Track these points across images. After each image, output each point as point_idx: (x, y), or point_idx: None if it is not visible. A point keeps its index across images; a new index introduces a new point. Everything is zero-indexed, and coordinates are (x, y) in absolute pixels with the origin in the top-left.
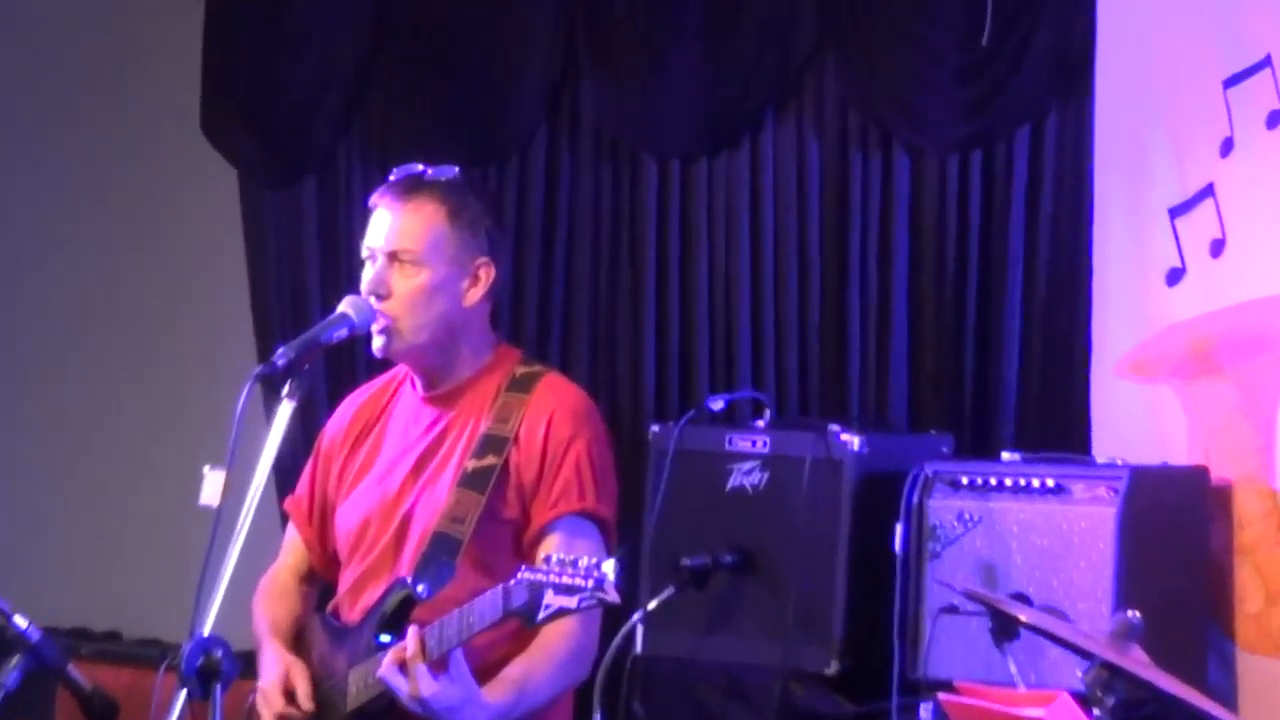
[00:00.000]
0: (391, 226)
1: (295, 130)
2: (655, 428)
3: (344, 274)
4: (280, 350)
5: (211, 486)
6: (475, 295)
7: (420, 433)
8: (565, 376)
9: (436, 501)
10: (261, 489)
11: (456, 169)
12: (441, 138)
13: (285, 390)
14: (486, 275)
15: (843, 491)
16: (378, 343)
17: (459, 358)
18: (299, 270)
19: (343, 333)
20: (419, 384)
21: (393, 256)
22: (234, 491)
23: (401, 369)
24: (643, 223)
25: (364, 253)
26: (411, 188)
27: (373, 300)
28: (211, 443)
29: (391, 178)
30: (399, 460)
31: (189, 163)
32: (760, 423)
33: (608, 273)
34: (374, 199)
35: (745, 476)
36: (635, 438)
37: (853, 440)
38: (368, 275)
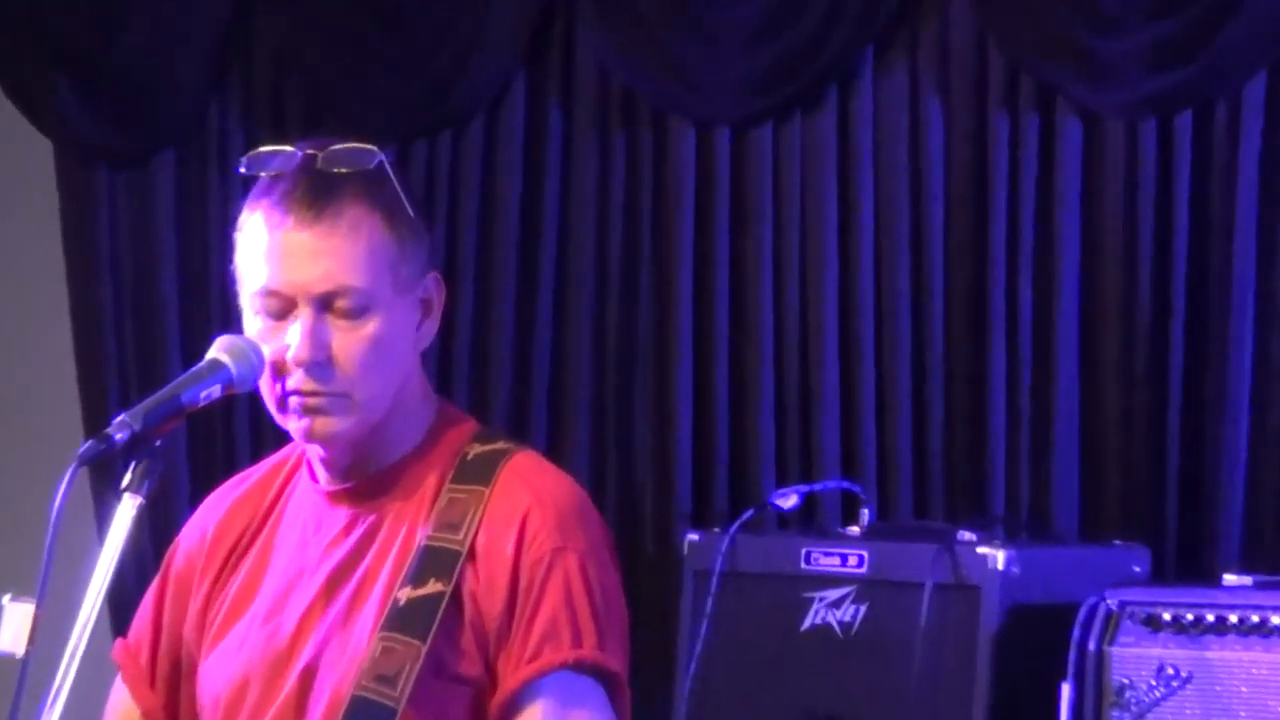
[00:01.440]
0: (316, 256)
1: (143, 83)
2: (693, 536)
3: (217, 292)
4: (120, 418)
5: (12, 626)
6: (430, 332)
7: (326, 545)
8: (540, 456)
9: (354, 650)
10: (89, 630)
11: (370, 147)
12: (362, 93)
13: (126, 480)
14: (439, 299)
15: (979, 633)
16: (320, 426)
17: (391, 432)
18: (148, 289)
19: (214, 391)
20: (324, 473)
21: (326, 302)
22: (48, 634)
23: (294, 453)
24: (672, 218)
25: (257, 303)
26: (323, 190)
27: (301, 372)
28: (11, 560)
29: (268, 176)
30: (294, 587)
31: None
32: (855, 528)
33: (619, 292)
34: (261, 218)
35: (832, 611)
36: (662, 551)
37: (995, 555)
38: (294, 336)
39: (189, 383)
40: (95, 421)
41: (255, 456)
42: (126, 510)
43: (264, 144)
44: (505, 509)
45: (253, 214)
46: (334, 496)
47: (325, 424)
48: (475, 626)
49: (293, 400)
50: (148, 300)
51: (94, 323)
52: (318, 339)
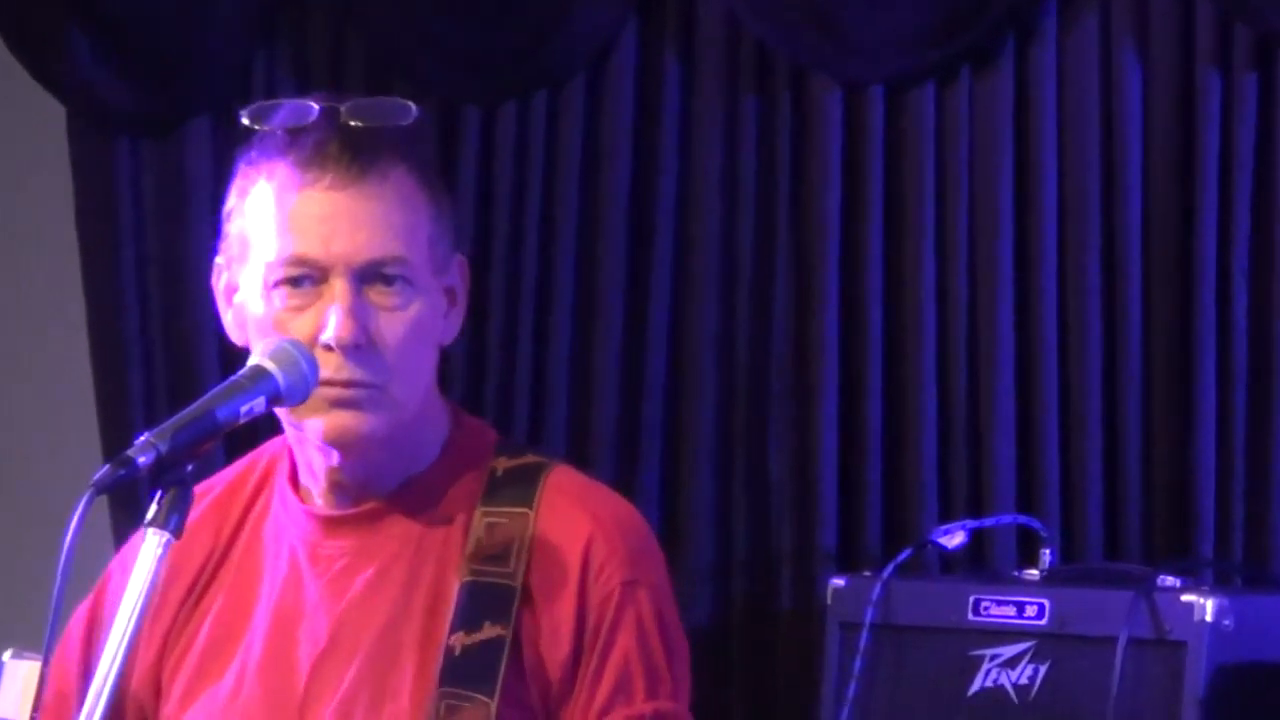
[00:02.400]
0: (357, 220)
1: (173, 37)
2: (838, 582)
3: None
4: (144, 438)
5: (14, 687)
6: (456, 326)
7: (329, 581)
8: (577, 470)
9: (397, 707)
10: (109, 689)
11: (406, 101)
12: (437, 47)
13: (152, 513)
14: (464, 287)
15: (1184, 696)
16: (353, 422)
17: (410, 442)
18: (178, 282)
19: (258, 405)
20: (323, 492)
21: (366, 275)
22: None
23: (263, 460)
24: (814, 200)
25: (276, 275)
26: (362, 145)
27: (338, 357)
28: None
29: (284, 130)
30: (296, 631)
31: None
32: (1034, 572)
33: (749, 292)
34: (285, 176)
35: (1006, 671)
36: (802, 600)
37: (1203, 604)
38: (333, 315)
39: (227, 395)
40: (115, 441)
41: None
42: (152, 549)
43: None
44: (560, 536)
45: (266, 173)
46: (333, 522)
47: (359, 421)
48: (537, 675)
49: (324, 391)
50: (178, 295)
51: (114, 323)
52: (359, 317)
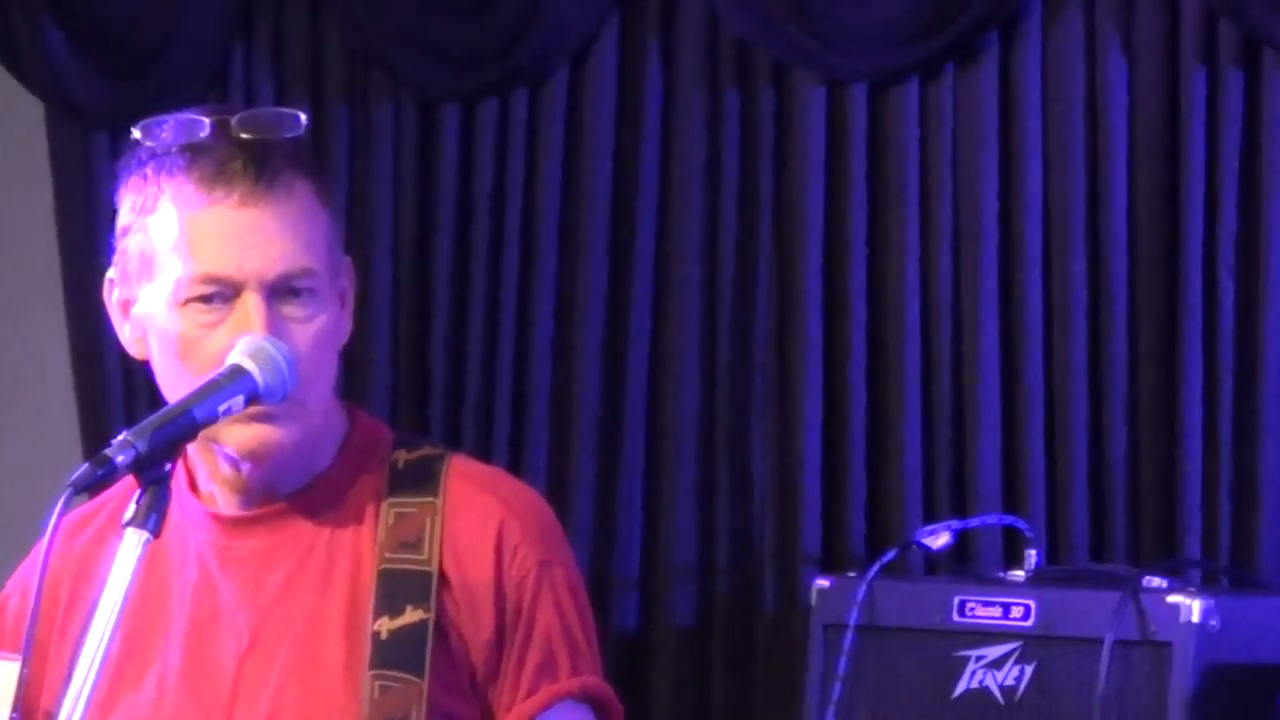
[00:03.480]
0: (267, 236)
1: (150, 31)
2: (822, 583)
3: None
4: (122, 437)
5: None
6: (348, 327)
7: (243, 580)
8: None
9: (329, 696)
10: (89, 688)
11: (293, 110)
12: (416, 41)
13: (130, 513)
14: (352, 288)
15: (1170, 698)
16: (271, 437)
17: (314, 444)
18: None
19: (236, 404)
20: (228, 495)
21: (278, 289)
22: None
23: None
24: (796, 196)
25: (185, 293)
26: (262, 159)
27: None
28: None
29: (178, 147)
30: (212, 633)
31: None
32: (1019, 573)
33: (732, 288)
34: (190, 193)
35: (992, 673)
36: (786, 601)
37: (1189, 605)
38: (244, 329)
39: (205, 394)
40: (95, 439)
41: None
42: (131, 548)
43: (297, 104)
44: (471, 521)
45: (170, 190)
46: (240, 523)
47: (276, 434)
48: (463, 659)
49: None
50: None
51: (93, 319)
52: (274, 332)
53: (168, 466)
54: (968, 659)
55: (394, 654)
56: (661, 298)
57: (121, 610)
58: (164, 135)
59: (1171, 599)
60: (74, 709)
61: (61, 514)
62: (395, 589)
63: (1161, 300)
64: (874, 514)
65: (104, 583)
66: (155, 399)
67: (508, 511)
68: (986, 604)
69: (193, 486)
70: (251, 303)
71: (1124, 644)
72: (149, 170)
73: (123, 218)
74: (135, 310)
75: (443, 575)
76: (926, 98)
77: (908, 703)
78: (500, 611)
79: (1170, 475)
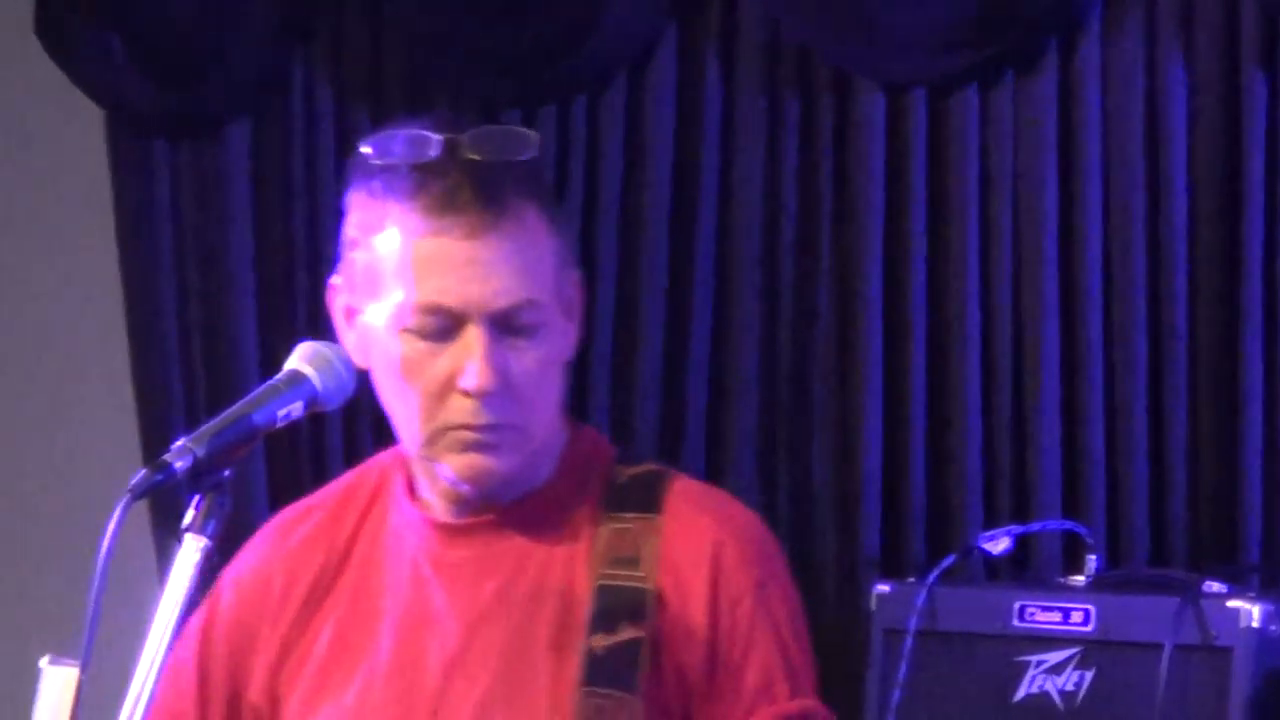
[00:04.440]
0: (493, 267)
1: (210, 39)
2: (882, 588)
3: (303, 290)
4: (181, 443)
5: (52, 695)
6: (574, 343)
7: (457, 587)
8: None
9: (536, 709)
10: (146, 696)
11: (526, 131)
12: (475, 49)
13: (189, 519)
14: (580, 302)
15: (1230, 703)
16: (488, 464)
17: (533, 459)
18: (218, 286)
19: (295, 409)
20: (443, 504)
21: (502, 320)
22: (96, 703)
23: (373, 473)
24: (856, 202)
25: (410, 321)
26: (490, 186)
27: (475, 403)
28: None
29: (406, 166)
30: (422, 637)
31: (15, 93)
32: (1079, 578)
33: (792, 295)
34: (418, 219)
35: (1051, 678)
36: (846, 606)
37: (1249, 610)
38: (471, 363)
39: (264, 399)
40: (155, 445)
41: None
42: (189, 554)
43: (357, 111)
44: (689, 541)
45: (396, 213)
46: (456, 530)
47: (491, 463)
48: (676, 679)
49: (459, 435)
50: (218, 299)
51: (153, 325)
52: (496, 363)
53: (227, 473)
54: (1028, 664)
55: (608, 671)
56: (721, 305)
57: (176, 623)
58: (393, 151)
59: (1231, 604)
60: (132, 712)
61: (120, 519)
62: (611, 605)
63: (1222, 305)
64: (934, 519)
65: (311, 581)
66: (213, 404)
67: (726, 532)
68: (1046, 609)
69: (410, 492)
70: (474, 334)
71: (1184, 649)
72: (377, 186)
73: (350, 230)
74: (360, 320)
75: (659, 594)
76: (986, 104)
77: (967, 708)
78: (716, 632)
79: (1230, 480)
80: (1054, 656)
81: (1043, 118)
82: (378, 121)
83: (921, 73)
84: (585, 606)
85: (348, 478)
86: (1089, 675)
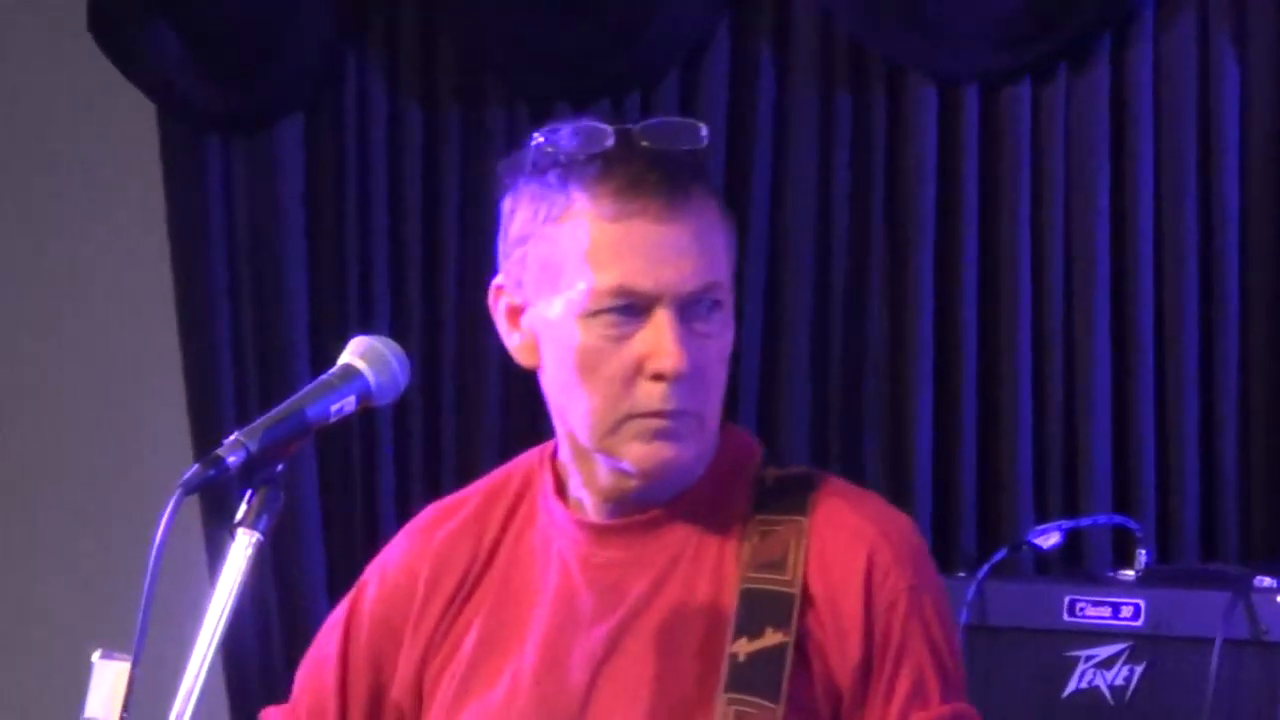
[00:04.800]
0: (682, 251)
1: (264, 34)
2: None
3: (355, 285)
4: (234, 437)
5: (103, 688)
6: (732, 342)
7: (605, 589)
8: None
9: (678, 715)
10: (198, 691)
11: (696, 122)
12: (529, 44)
13: (242, 513)
14: (733, 301)
15: None
16: (672, 453)
17: (703, 455)
18: (270, 281)
19: (348, 404)
20: (596, 505)
21: (689, 305)
22: (147, 697)
23: (519, 472)
24: (909, 197)
25: (615, 299)
26: (674, 174)
27: (665, 388)
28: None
29: (583, 156)
30: (569, 638)
31: (67, 89)
32: (1130, 573)
33: (844, 291)
34: (609, 204)
35: (1102, 673)
36: None
37: None
38: (664, 346)
39: (317, 394)
40: (206, 439)
41: (402, 479)
42: (241, 549)
43: (410, 107)
44: (840, 542)
45: (579, 200)
46: (606, 531)
47: (674, 451)
48: (825, 683)
49: (647, 423)
50: (270, 294)
51: (204, 321)
52: (687, 347)
53: (279, 467)
54: (1078, 659)
55: (751, 677)
56: (774, 300)
57: (228, 618)
58: (569, 143)
59: None
60: (184, 709)
61: (173, 514)
62: (756, 609)
63: (1273, 301)
64: (984, 514)
65: (457, 579)
66: (265, 399)
67: (878, 534)
68: (1096, 604)
69: (559, 492)
70: (664, 318)
71: (1234, 644)
72: (553, 178)
73: (520, 225)
74: (527, 319)
75: (807, 597)
76: (1039, 98)
77: (1018, 702)
78: (869, 636)
79: None
80: (1104, 651)
81: (1095, 113)
82: (430, 118)
83: (974, 68)
84: (731, 611)
85: (493, 476)
86: (1139, 670)
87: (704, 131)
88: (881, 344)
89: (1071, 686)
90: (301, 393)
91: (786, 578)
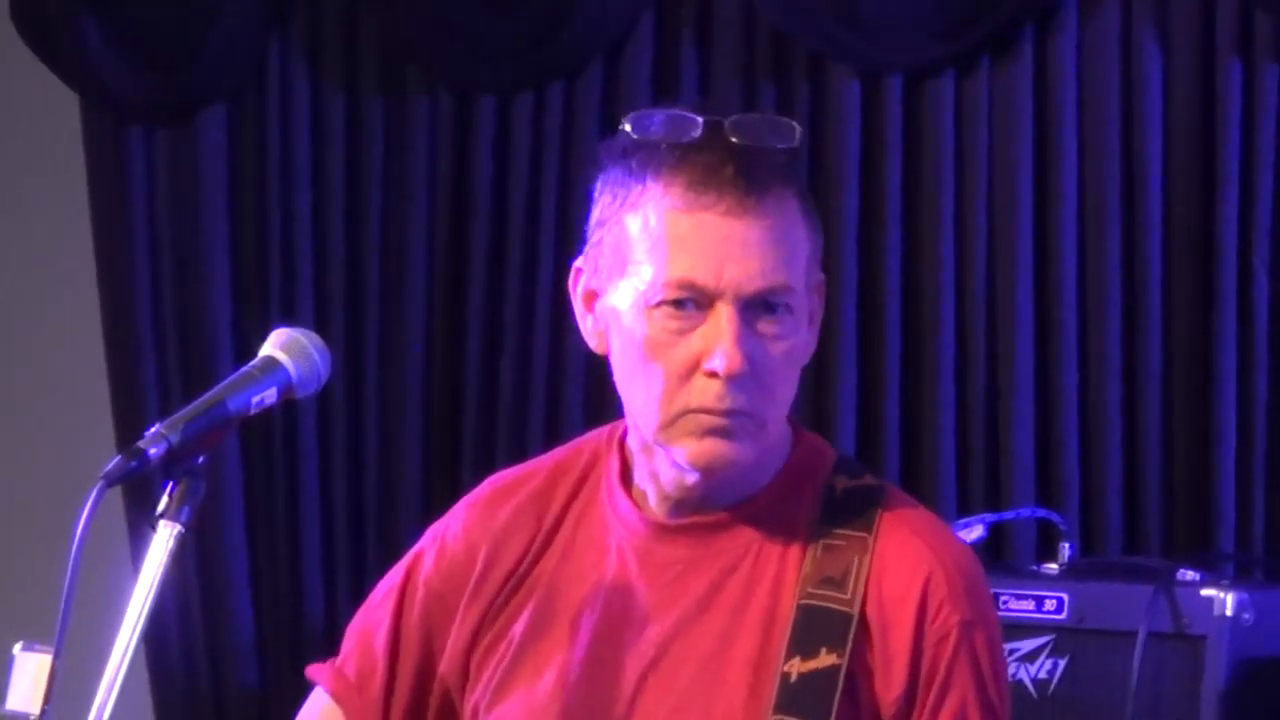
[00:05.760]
0: (749, 249)
1: (186, 24)
2: None
3: (278, 277)
4: (155, 429)
5: (24, 681)
6: (813, 345)
7: (662, 589)
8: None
9: None
10: (120, 682)
11: (790, 121)
12: (452, 35)
13: (163, 505)
14: (821, 305)
15: (1204, 691)
16: (723, 451)
17: (758, 461)
18: (193, 272)
19: (269, 395)
20: (660, 500)
21: (752, 304)
22: (70, 689)
23: (585, 452)
24: (831, 189)
25: (660, 295)
26: (754, 169)
27: (720, 385)
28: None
29: (667, 144)
30: (621, 637)
31: None
32: (1053, 566)
33: None
34: (679, 194)
35: (1025, 666)
36: None
37: (1223, 598)
38: (721, 343)
39: (239, 386)
40: (128, 432)
41: (324, 471)
42: (163, 541)
43: (333, 97)
44: (899, 567)
45: (655, 189)
46: (669, 529)
47: (731, 450)
48: (867, 708)
49: (698, 420)
50: (192, 285)
51: (126, 312)
52: (745, 347)
53: (201, 459)
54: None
55: (801, 698)
56: None
57: (149, 610)
58: (654, 130)
59: (1205, 592)
60: (106, 701)
61: (94, 506)
62: (812, 628)
63: (1196, 292)
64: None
65: (515, 559)
66: (188, 390)
67: (937, 563)
68: (1020, 597)
69: (624, 479)
70: (725, 315)
71: (1157, 637)
72: (634, 164)
73: (600, 209)
74: (601, 304)
75: (863, 620)
76: (962, 90)
77: None
78: (915, 666)
79: (1204, 468)
80: (1027, 644)
81: (1018, 105)
82: (353, 107)
83: (898, 60)
84: (786, 626)
85: (559, 453)
86: (1062, 663)
87: (797, 130)
88: None
89: None
90: (223, 384)
91: (846, 597)
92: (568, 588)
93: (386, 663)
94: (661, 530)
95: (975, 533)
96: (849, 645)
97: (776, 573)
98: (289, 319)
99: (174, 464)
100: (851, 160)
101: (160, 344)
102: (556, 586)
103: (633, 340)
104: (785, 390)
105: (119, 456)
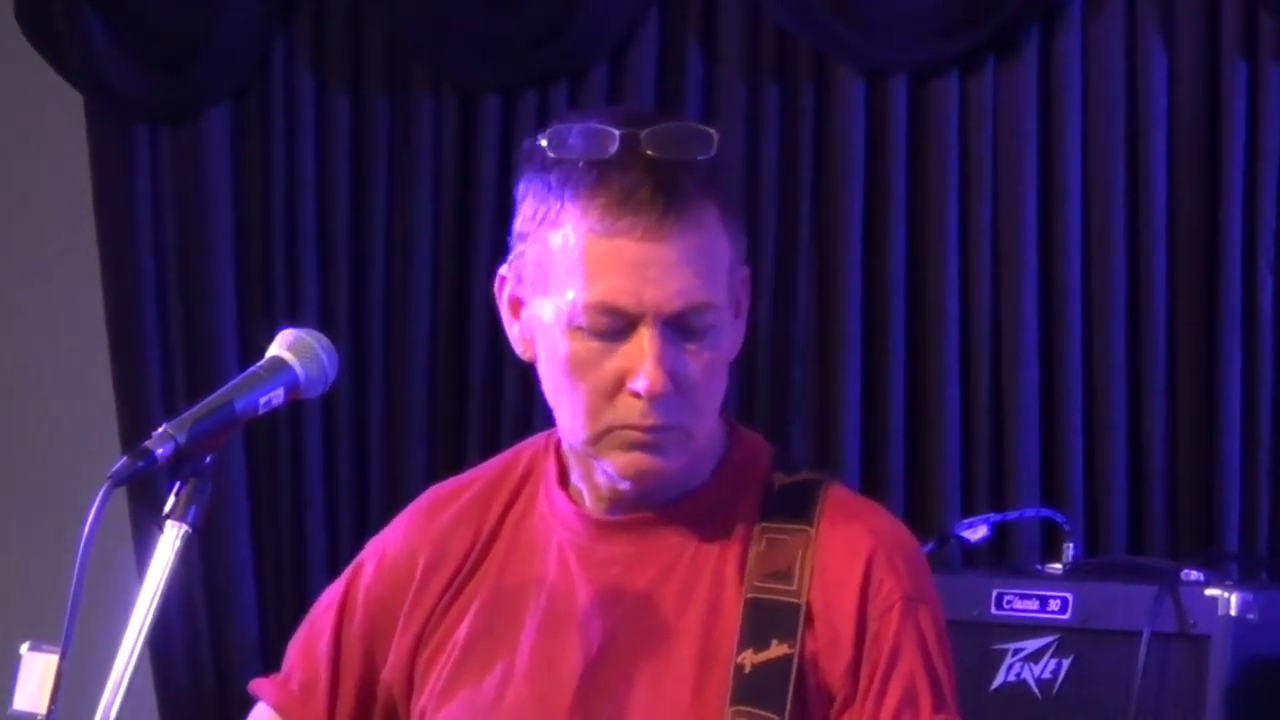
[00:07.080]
0: (669, 270)
1: (190, 24)
2: None
3: (282, 277)
4: (162, 429)
5: (31, 681)
6: (740, 337)
7: (602, 587)
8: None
9: None
10: (126, 683)
11: (707, 129)
12: (457, 34)
13: (170, 505)
14: (747, 299)
15: (1208, 690)
16: (651, 465)
17: (692, 461)
18: (198, 272)
19: (276, 396)
20: (597, 499)
21: (674, 322)
22: (75, 689)
23: (523, 457)
24: (836, 188)
25: (583, 318)
26: (671, 187)
27: (644, 404)
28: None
29: (601, 160)
30: (564, 635)
31: None
32: (1057, 566)
33: (771, 280)
34: (596, 217)
35: (1029, 666)
36: None
37: (1227, 598)
38: (643, 364)
39: (246, 386)
40: (134, 432)
41: (330, 473)
42: (169, 541)
43: (338, 95)
44: (840, 553)
45: (572, 210)
46: (608, 527)
47: (656, 463)
48: (816, 692)
49: (625, 435)
50: (197, 284)
51: (132, 312)
52: (669, 367)
53: (207, 459)
54: (1005, 652)
55: (756, 689)
56: None
57: (156, 610)
58: (570, 145)
59: (1209, 592)
60: (112, 701)
61: (101, 506)
62: (762, 620)
63: (1201, 294)
64: (912, 507)
65: (456, 564)
66: (193, 390)
67: (877, 543)
68: (1024, 597)
69: (562, 480)
70: (647, 335)
71: (1161, 637)
72: (553, 180)
73: (521, 222)
74: (526, 312)
75: (809, 609)
76: (967, 90)
77: None
78: (860, 642)
79: (1208, 468)
80: (1031, 644)
81: (1023, 105)
82: (358, 106)
83: (902, 59)
84: (734, 619)
85: (498, 460)
86: (1066, 663)
87: (714, 139)
88: (809, 335)
89: (999, 679)
90: (230, 385)
91: (793, 589)
92: (510, 589)
93: (330, 673)
94: (600, 527)
95: (980, 532)
96: (799, 635)
97: (717, 567)
98: (294, 318)
99: (181, 464)
100: (856, 160)
101: (165, 343)
102: (499, 588)
103: (557, 356)
104: (712, 398)
105: (125, 456)
